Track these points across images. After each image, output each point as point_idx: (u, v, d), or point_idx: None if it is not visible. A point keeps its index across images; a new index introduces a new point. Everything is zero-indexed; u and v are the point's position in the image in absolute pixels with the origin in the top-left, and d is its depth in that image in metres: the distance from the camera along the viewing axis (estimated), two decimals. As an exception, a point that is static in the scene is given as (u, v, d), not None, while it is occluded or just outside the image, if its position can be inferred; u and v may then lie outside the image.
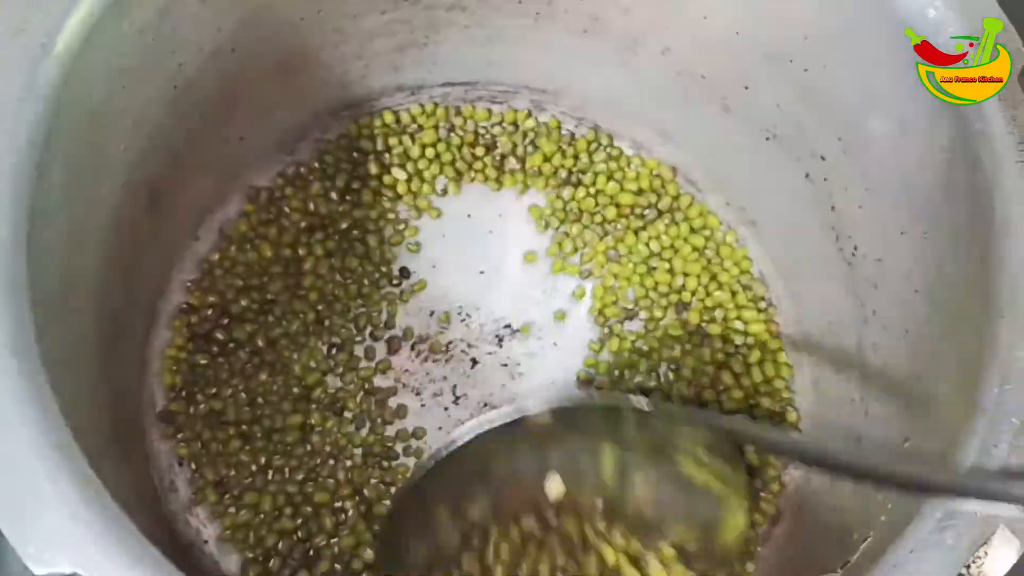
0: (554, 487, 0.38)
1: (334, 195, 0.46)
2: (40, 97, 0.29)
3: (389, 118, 0.47)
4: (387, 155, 0.47)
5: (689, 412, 0.38)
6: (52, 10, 0.30)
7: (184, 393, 0.42)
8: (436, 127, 0.48)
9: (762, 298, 0.46)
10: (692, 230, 0.47)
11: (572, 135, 0.48)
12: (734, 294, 0.46)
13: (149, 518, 0.36)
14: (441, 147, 0.47)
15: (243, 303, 0.44)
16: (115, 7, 0.31)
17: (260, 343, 0.43)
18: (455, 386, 0.44)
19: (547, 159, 0.48)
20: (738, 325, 0.45)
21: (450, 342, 0.45)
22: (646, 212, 0.47)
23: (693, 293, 0.46)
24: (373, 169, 0.47)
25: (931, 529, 0.26)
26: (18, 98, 0.29)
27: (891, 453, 0.34)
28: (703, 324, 0.45)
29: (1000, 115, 0.31)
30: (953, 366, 0.31)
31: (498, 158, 0.48)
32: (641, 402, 0.37)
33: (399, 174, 0.47)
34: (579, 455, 0.38)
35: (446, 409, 0.44)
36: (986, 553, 0.26)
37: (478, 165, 0.47)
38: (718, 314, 0.45)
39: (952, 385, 0.31)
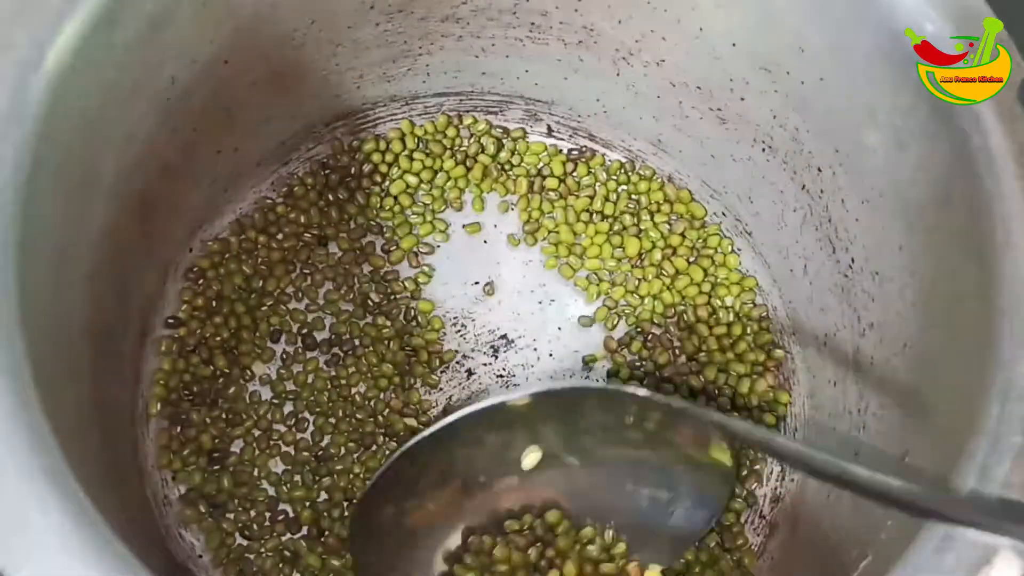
0: (529, 459, 0.39)
1: (331, 210, 0.46)
2: (29, 113, 0.29)
3: (392, 133, 0.47)
4: (381, 171, 0.47)
5: (686, 405, 0.38)
6: (41, 24, 0.30)
7: (175, 407, 0.42)
8: (433, 140, 0.47)
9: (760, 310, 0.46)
10: (691, 245, 0.47)
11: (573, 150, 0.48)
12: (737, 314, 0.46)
13: (143, 536, 0.35)
14: (437, 163, 0.47)
15: (235, 316, 0.44)
16: (105, 20, 0.31)
17: (250, 359, 0.43)
18: (450, 397, 0.44)
19: (540, 174, 0.48)
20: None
21: (445, 352, 0.45)
22: (641, 223, 0.47)
23: (695, 309, 0.45)
24: (367, 183, 0.46)
25: (932, 550, 0.26)
26: (6, 114, 0.29)
27: (891, 468, 0.33)
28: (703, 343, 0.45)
29: (999, 129, 0.30)
30: (953, 381, 0.31)
31: (494, 170, 0.47)
32: (638, 389, 0.38)
33: (395, 188, 0.46)
34: (557, 435, 0.39)
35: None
36: (988, 575, 0.25)
37: (474, 176, 0.47)
38: (718, 331, 0.45)
39: (952, 401, 0.31)
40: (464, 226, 0.47)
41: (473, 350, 0.45)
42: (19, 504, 0.25)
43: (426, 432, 0.39)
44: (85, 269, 0.34)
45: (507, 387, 0.44)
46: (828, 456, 0.30)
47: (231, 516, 0.41)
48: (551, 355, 0.45)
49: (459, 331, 0.45)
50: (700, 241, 0.47)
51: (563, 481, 0.40)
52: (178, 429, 0.42)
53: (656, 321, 0.45)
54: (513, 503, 0.41)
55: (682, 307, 0.46)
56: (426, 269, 0.46)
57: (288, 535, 0.41)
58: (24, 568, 0.24)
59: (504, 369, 0.45)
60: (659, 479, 0.40)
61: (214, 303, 0.44)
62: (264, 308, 0.44)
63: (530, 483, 0.40)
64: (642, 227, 0.47)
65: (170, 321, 0.43)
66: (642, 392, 0.38)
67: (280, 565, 0.41)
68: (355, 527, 0.39)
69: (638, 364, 0.45)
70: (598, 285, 0.46)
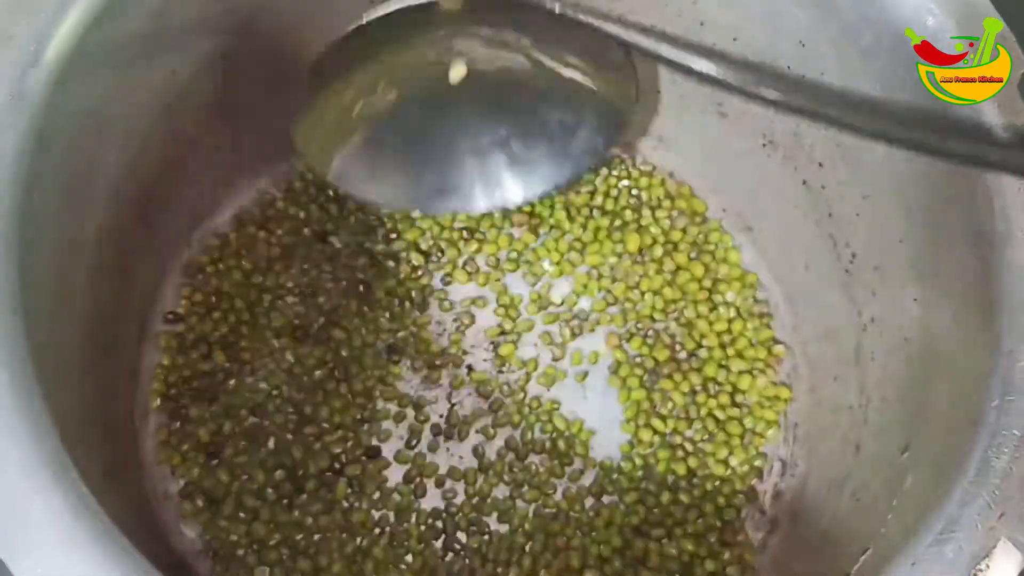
0: (456, 71, 0.38)
1: (331, 205, 0.46)
2: (29, 106, 0.29)
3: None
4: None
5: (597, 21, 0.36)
6: (41, 17, 0.30)
7: (174, 402, 0.42)
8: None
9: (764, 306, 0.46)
10: (692, 241, 0.47)
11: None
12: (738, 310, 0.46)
13: (142, 530, 0.35)
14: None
15: (234, 312, 0.44)
16: (106, 14, 0.31)
17: (249, 355, 0.43)
18: (450, 393, 0.44)
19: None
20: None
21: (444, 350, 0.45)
22: (642, 219, 0.47)
23: (696, 305, 0.45)
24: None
25: (931, 542, 0.26)
26: (7, 106, 0.29)
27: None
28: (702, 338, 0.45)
29: (999, 121, 0.30)
30: (954, 374, 0.31)
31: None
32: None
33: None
34: (483, 46, 0.38)
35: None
36: (988, 566, 0.25)
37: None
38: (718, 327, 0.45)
39: (952, 394, 0.31)
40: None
41: (473, 347, 0.45)
42: (21, 496, 0.25)
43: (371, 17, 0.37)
44: (85, 263, 0.34)
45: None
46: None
47: (229, 510, 0.41)
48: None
49: (459, 329, 0.45)
50: (701, 237, 0.47)
51: (484, 93, 0.39)
52: (177, 424, 0.42)
53: (656, 317, 0.45)
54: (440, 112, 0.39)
55: (683, 303, 0.46)
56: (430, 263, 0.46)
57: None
58: (25, 560, 0.24)
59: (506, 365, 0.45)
60: (568, 100, 0.39)
61: (213, 299, 0.44)
62: (264, 304, 0.44)
63: (455, 93, 0.38)
64: (643, 223, 0.47)
65: (169, 316, 0.43)
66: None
67: (281, 557, 0.41)
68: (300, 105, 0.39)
69: (638, 360, 0.45)
70: (599, 281, 0.46)
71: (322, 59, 0.38)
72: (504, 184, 0.38)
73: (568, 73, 0.39)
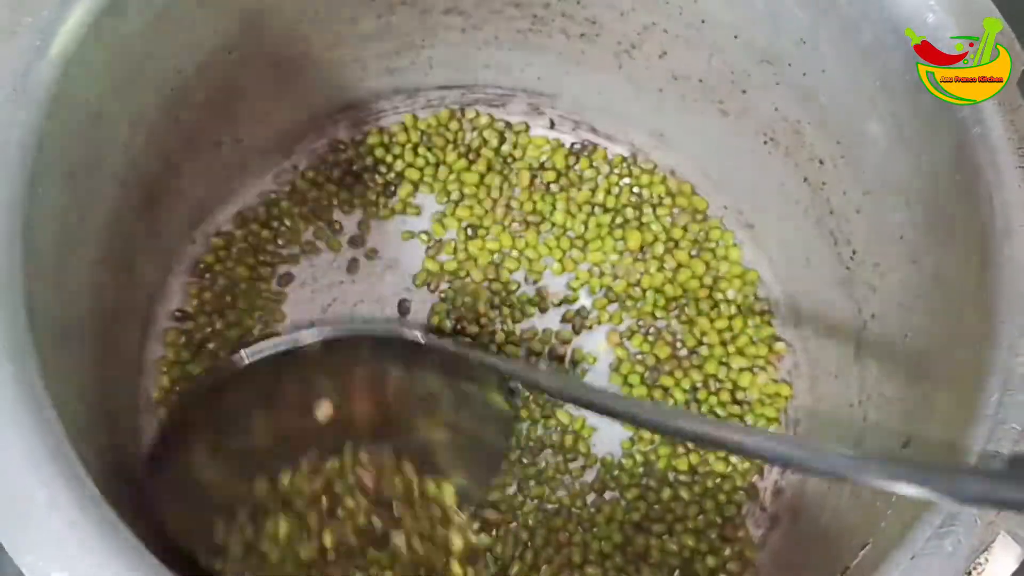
0: (323, 411, 0.39)
1: (331, 208, 0.47)
2: (35, 99, 0.29)
3: (394, 127, 0.48)
4: (385, 163, 0.47)
5: (462, 349, 0.39)
6: (46, 12, 0.30)
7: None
8: (435, 133, 0.48)
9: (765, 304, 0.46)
10: (693, 239, 0.47)
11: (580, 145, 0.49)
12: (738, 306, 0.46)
13: (144, 526, 0.36)
14: (441, 155, 0.47)
15: (238, 310, 0.44)
16: (111, 9, 0.31)
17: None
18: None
19: (542, 167, 0.48)
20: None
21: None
22: (643, 216, 0.47)
23: (697, 302, 0.46)
24: (368, 176, 0.47)
25: (931, 535, 0.26)
26: (11, 101, 0.29)
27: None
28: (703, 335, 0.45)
29: (999, 119, 0.31)
30: (953, 370, 0.31)
31: (496, 164, 0.48)
32: (416, 335, 0.39)
33: (403, 190, 0.47)
34: (349, 381, 0.40)
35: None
36: (987, 560, 0.26)
37: (475, 174, 0.47)
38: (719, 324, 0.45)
39: (952, 390, 0.31)
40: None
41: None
42: (26, 489, 0.25)
43: (222, 372, 0.39)
44: (89, 256, 0.34)
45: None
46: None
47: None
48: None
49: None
50: (702, 234, 0.47)
51: (357, 433, 0.40)
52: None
53: (657, 314, 0.46)
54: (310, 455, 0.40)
55: (684, 300, 0.46)
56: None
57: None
58: (30, 553, 0.24)
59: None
60: (450, 426, 0.40)
61: (219, 297, 0.44)
62: (266, 298, 0.45)
63: (325, 433, 0.40)
64: (644, 220, 0.47)
65: (177, 314, 0.43)
66: (419, 336, 0.39)
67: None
68: (152, 479, 0.38)
69: (639, 357, 0.45)
70: (600, 278, 0.46)
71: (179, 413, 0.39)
72: None
73: (442, 397, 0.40)
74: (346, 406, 0.40)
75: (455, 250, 0.46)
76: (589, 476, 0.43)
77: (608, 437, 0.44)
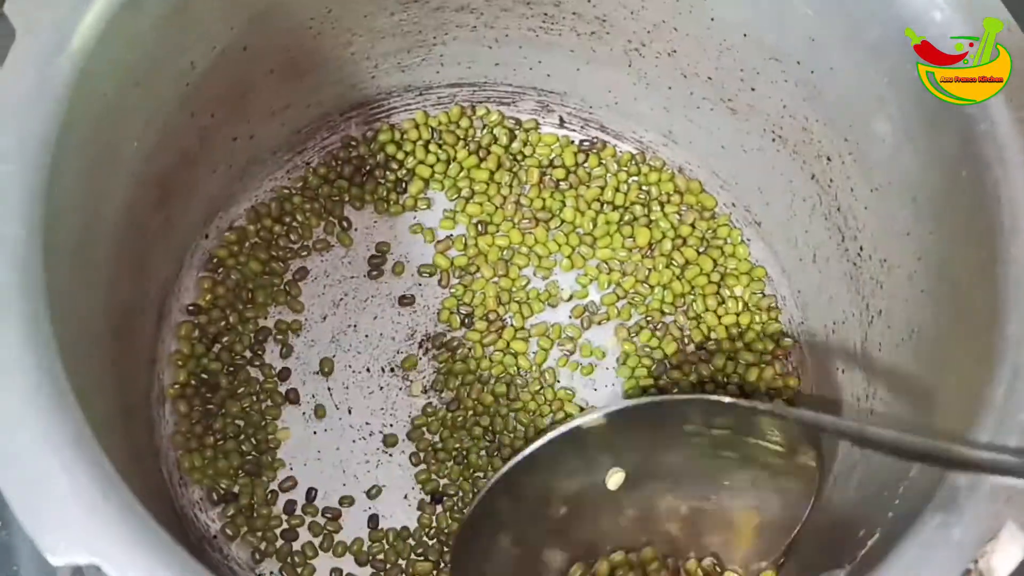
0: (614, 480, 0.40)
1: (343, 203, 0.47)
2: (53, 95, 0.29)
3: (406, 124, 0.48)
4: (397, 159, 0.48)
5: (771, 407, 0.38)
6: (66, 7, 0.30)
7: (193, 389, 0.43)
8: (446, 131, 0.48)
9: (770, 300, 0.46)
10: (701, 236, 0.47)
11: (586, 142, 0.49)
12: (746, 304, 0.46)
13: (161, 512, 0.36)
14: (451, 152, 0.48)
15: (252, 304, 0.45)
16: (129, 4, 0.31)
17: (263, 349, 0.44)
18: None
19: (551, 165, 0.48)
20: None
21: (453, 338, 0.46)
22: (652, 213, 0.47)
23: (704, 298, 0.46)
24: (379, 173, 0.47)
25: (938, 525, 0.27)
26: (31, 95, 0.29)
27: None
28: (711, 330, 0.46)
29: (1006, 115, 0.31)
30: (960, 365, 0.32)
31: (506, 161, 0.48)
32: (721, 397, 0.39)
33: (413, 187, 0.47)
34: (638, 451, 0.40)
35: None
36: (993, 549, 0.26)
37: (485, 171, 0.48)
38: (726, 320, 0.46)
39: (959, 384, 0.31)
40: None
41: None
42: (48, 474, 0.25)
43: (511, 463, 0.40)
44: (105, 249, 0.34)
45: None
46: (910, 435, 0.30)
47: (246, 495, 0.42)
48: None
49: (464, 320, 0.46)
50: (710, 232, 0.47)
51: (650, 498, 0.41)
52: (195, 411, 0.42)
53: (666, 310, 0.46)
54: (607, 527, 0.41)
55: (691, 296, 0.46)
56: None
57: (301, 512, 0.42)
58: (51, 535, 0.25)
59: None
60: (744, 486, 0.40)
61: (233, 291, 0.44)
62: (279, 292, 0.45)
63: (619, 503, 0.41)
64: (652, 217, 0.47)
65: (191, 308, 0.44)
66: (726, 399, 0.38)
67: (293, 544, 0.41)
68: (457, 558, 0.40)
69: (647, 352, 0.45)
70: (608, 274, 0.46)
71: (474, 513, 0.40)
72: None
73: (734, 457, 0.40)
74: (637, 475, 0.40)
75: (465, 245, 0.47)
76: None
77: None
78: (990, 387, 0.28)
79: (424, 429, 0.44)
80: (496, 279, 0.46)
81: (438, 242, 0.47)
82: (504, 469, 0.40)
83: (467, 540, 0.40)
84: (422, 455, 0.44)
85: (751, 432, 0.39)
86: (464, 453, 0.44)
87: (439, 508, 0.43)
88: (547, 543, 0.41)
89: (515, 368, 0.45)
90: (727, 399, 0.38)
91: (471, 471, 0.43)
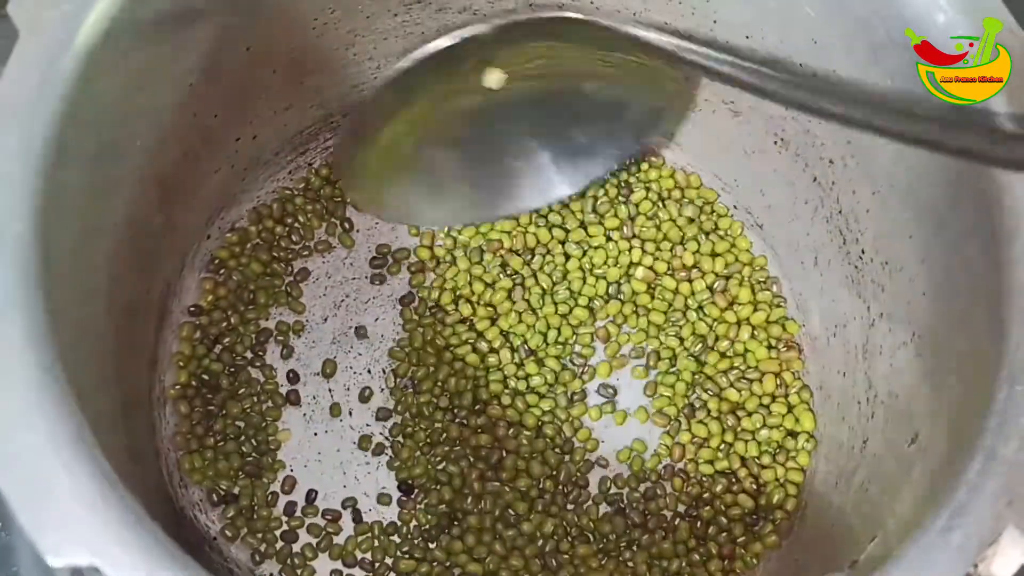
0: (494, 78, 0.40)
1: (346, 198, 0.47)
2: (58, 92, 0.29)
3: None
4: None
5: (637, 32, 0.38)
6: (70, 7, 0.30)
7: (194, 390, 0.43)
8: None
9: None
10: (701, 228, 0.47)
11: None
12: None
13: (161, 514, 0.36)
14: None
15: (254, 305, 0.45)
16: (134, 3, 0.31)
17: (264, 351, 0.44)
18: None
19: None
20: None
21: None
22: (659, 211, 0.47)
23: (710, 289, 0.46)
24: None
25: (939, 529, 0.27)
26: (34, 95, 0.29)
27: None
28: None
29: (1006, 111, 0.31)
30: (961, 368, 0.32)
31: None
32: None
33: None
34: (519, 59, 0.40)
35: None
36: (995, 554, 0.26)
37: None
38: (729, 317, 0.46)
39: (961, 386, 0.31)
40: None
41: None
42: (47, 473, 0.25)
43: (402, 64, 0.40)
44: (107, 249, 0.35)
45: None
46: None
47: (246, 496, 0.42)
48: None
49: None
50: (710, 224, 0.47)
51: (522, 96, 0.41)
52: (195, 412, 0.42)
53: (671, 316, 0.46)
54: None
55: (693, 301, 0.46)
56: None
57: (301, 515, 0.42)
58: (50, 534, 0.25)
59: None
60: (610, 92, 0.41)
61: (234, 292, 0.45)
62: (280, 293, 0.45)
63: (496, 100, 0.40)
64: (654, 212, 0.47)
65: (192, 309, 0.44)
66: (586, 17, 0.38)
67: (293, 546, 0.41)
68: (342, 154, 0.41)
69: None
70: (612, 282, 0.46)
71: (361, 110, 0.40)
72: (553, 178, 0.40)
73: (604, 68, 0.40)
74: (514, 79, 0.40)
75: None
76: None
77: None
78: (991, 390, 0.28)
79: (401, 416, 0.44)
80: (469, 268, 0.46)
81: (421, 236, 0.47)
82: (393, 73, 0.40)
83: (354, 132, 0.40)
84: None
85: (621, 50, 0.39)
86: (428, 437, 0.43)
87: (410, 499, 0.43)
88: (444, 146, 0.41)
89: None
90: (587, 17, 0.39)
91: (438, 459, 0.43)
